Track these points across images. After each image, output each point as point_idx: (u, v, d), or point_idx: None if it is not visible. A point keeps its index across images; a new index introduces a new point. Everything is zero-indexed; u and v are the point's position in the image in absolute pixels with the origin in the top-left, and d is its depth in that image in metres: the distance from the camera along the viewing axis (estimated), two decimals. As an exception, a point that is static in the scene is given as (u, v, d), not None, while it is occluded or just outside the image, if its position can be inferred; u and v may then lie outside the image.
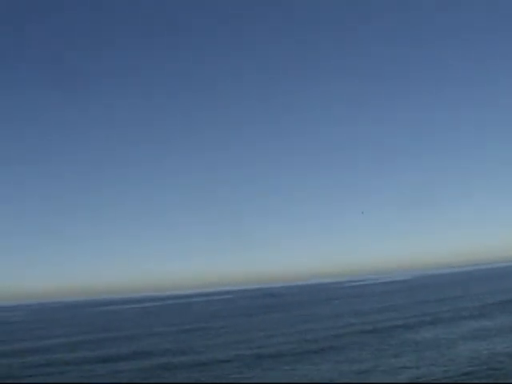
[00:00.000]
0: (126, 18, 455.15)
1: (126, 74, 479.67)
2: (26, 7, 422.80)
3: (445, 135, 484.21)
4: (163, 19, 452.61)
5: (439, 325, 52.45)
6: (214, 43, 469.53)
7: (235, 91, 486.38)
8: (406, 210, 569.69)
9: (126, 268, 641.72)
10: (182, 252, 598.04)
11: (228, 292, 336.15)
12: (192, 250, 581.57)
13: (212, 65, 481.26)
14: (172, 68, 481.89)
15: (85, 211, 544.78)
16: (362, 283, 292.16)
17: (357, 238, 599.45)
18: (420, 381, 29.69)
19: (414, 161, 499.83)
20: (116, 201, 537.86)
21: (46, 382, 37.05)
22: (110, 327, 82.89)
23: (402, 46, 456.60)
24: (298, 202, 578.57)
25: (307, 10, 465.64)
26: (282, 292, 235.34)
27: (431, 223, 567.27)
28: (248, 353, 43.49)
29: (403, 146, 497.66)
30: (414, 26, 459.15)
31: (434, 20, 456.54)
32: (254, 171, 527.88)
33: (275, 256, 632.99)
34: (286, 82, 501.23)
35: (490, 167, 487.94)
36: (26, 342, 67.16)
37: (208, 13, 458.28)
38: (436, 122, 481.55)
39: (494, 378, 28.54)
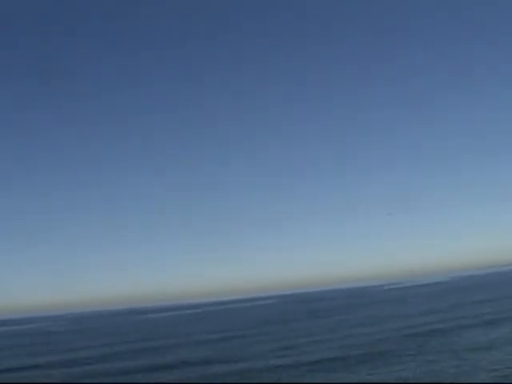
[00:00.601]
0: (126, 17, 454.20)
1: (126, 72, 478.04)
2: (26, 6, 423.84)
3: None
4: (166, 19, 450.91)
5: (489, 326, 50.60)
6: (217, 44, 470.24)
7: (236, 96, 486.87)
8: (437, 212, 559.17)
9: (148, 277, 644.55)
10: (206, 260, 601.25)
11: (267, 298, 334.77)
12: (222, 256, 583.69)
13: (217, 70, 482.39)
14: (175, 68, 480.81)
15: (98, 216, 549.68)
16: (400, 286, 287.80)
17: (391, 240, 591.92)
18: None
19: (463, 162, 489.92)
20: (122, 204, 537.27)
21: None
22: (152, 336, 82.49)
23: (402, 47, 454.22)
24: (324, 207, 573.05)
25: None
26: (322, 297, 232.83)
27: (465, 225, 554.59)
28: (303, 359, 42.31)
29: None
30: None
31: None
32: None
33: (305, 260, 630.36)
34: (283, 85, 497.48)
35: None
36: (69, 352, 67.12)
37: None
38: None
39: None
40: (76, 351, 67.10)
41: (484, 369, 31.49)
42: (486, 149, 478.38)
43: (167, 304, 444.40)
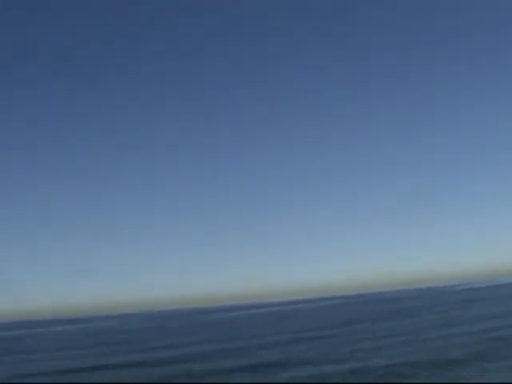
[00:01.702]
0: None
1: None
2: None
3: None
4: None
5: None
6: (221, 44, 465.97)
7: (245, 93, 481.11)
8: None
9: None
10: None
11: (335, 298, 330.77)
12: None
13: (225, 69, 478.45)
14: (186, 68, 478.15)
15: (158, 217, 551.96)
16: (473, 287, 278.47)
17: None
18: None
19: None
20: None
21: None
22: (238, 335, 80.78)
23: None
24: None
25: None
26: (394, 297, 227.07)
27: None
28: (399, 360, 39.49)
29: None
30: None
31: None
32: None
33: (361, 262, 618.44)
34: (296, 85, 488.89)
35: None
36: (152, 351, 66.35)
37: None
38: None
39: None
40: (157, 350, 66.25)
41: None
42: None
43: (230, 304, 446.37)
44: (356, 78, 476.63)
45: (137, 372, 46.38)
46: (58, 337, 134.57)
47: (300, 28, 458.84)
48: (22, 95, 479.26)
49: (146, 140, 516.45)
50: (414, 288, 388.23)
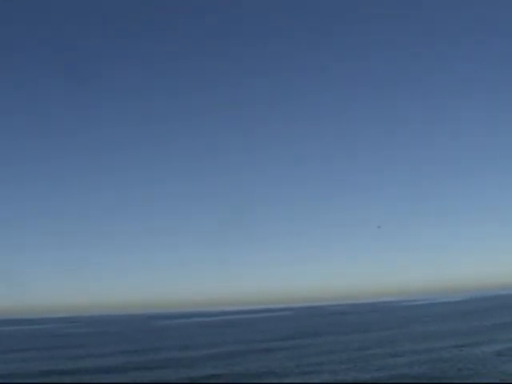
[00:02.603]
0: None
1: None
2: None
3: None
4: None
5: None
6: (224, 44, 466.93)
7: (245, 93, 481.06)
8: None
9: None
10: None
11: (279, 309, 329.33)
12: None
13: (227, 68, 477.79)
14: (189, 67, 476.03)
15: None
16: (416, 303, 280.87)
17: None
18: None
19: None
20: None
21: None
22: (167, 344, 77.43)
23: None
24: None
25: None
26: (338, 311, 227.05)
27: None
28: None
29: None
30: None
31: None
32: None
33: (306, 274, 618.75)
34: (296, 85, 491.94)
35: None
36: (83, 359, 62.53)
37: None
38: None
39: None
40: (91, 358, 62.60)
41: None
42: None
43: (176, 311, 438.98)
44: (356, 78, 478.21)
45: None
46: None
47: (300, 28, 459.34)
48: (21, 95, 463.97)
49: (145, 138, 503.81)
50: (357, 303, 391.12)
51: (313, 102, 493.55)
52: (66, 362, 58.15)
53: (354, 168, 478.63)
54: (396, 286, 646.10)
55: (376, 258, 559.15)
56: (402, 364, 43.58)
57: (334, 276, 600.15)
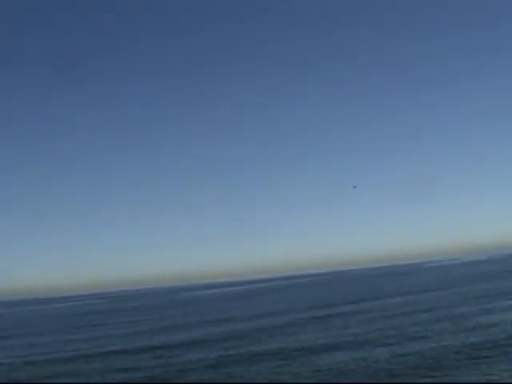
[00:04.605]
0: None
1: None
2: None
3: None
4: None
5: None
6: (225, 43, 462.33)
7: (244, 93, 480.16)
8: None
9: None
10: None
11: (309, 275, 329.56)
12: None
13: (223, 65, 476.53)
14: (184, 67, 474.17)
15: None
16: (441, 264, 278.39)
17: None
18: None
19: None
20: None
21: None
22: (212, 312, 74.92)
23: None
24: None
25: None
26: (381, 273, 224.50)
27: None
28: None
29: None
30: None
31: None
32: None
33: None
34: (296, 85, 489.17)
35: None
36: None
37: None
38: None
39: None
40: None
41: None
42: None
43: (196, 283, 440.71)
44: (355, 77, 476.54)
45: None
46: (26, 318, 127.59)
47: (300, 28, 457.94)
48: (21, 95, 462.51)
49: (145, 137, 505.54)
50: (381, 266, 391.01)
51: (313, 101, 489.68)
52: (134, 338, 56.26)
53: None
54: (403, 250, 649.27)
55: (385, 221, 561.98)
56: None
57: (345, 242, 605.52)
